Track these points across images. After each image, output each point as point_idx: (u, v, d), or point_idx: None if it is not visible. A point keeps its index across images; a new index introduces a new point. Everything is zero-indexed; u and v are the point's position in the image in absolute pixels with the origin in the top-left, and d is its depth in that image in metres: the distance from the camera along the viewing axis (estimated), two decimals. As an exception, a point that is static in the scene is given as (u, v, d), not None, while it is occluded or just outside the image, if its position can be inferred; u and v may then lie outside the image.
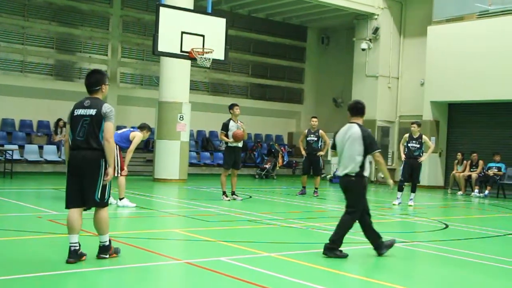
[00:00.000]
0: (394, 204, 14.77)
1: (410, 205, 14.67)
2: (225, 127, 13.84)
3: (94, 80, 6.88)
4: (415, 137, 14.82)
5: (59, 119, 21.14)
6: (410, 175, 14.92)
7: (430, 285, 6.60)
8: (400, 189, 15.08)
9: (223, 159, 14.76)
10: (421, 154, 14.83)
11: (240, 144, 13.99)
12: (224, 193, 14.16)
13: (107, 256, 6.81)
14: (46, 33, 22.58)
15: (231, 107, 14.17)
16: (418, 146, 14.77)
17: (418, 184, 15.31)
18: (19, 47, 22.07)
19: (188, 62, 18.95)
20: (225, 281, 6.14)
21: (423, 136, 14.97)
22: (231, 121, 13.95)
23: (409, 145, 14.85)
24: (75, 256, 6.62)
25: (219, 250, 7.87)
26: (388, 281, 6.42)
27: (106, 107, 6.73)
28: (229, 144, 13.89)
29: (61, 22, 22.86)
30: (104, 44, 23.83)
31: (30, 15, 22.26)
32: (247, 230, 9.95)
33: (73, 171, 6.73)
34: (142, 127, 12.36)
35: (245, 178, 23.76)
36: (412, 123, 15.15)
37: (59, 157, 20.25)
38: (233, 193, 14.38)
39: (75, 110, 6.78)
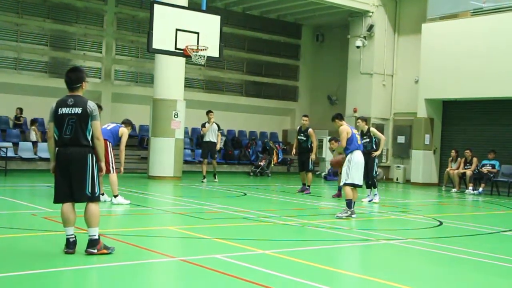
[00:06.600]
0: (362, 201, 14.54)
1: (366, 202, 14.49)
2: (202, 125, 18.75)
3: (75, 77, 7.00)
4: (364, 132, 14.72)
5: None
6: (365, 171, 14.65)
7: (425, 282, 6.62)
8: (367, 186, 14.96)
9: (201, 152, 19.76)
10: (373, 147, 14.69)
11: (213, 140, 18.45)
12: (204, 177, 18.62)
13: (95, 251, 6.81)
14: (40, 30, 22.53)
15: (207, 113, 18.73)
16: (368, 140, 14.60)
17: (376, 178, 14.89)
18: (13, 44, 22.00)
19: (183, 59, 18.95)
20: (220, 279, 6.14)
21: (371, 129, 14.75)
22: (207, 123, 18.52)
23: (362, 141, 14.77)
24: (73, 247, 6.87)
25: (214, 247, 7.86)
26: (383, 278, 6.44)
27: (91, 105, 6.91)
28: (204, 139, 18.59)
29: (55, 19, 22.80)
30: (98, 41, 23.78)
31: (24, 12, 22.19)
32: (242, 227, 9.95)
33: (62, 167, 6.89)
34: (126, 123, 12.51)
35: (240, 175, 23.77)
36: (357, 119, 15.20)
37: (50, 157, 20.13)
38: (214, 176, 19.02)
39: (59, 108, 6.88)
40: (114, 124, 12.51)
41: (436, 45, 21.90)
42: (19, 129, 21.42)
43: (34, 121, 20.91)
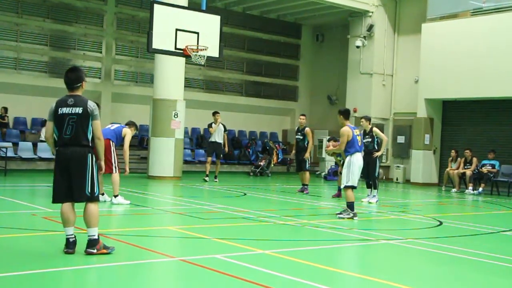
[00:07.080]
0: (362, 201, 14.55)
1: (366, 202, 14.50)
2: (209, 125, 18.92)
3: (75, 77, 7.00)
4: (367, 131, 14.66)
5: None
6: (367, 171, 14.55)
7: (424, 282, 6.62)
8: (367, 186, 14.96)
9: (206, 151, 20.39)
10: (375, 147, 14.63)
11: (219, 140, 18.72)
12: (206, 175, 19.00)
13: (95, 250, 6.82)
14: (40, 30, 22.52)
15: (213, 114, 18.92)
16: (370, 140, 14.54)
17: (378, 179, 14.83)
18: (13, 44, 22.00)
19: (183, 59, 18.96)
20: (219, 279, 6.14)
21: (374, 129, 14.66)
22: (213, 123, 18.72)
23: (364, 140, 14.75)
24: (73, 247, 6.88)
25: (213, 247, 7.86)
26: (383, 278, 6.44)
27: (92, 105, 6.93)
28: (210, 140, 18.95)
29: (55, 19, 22.79)
30: (98, 41, 23.77)
31: (24, 12, 22.19)
32: (242, 227, 9.95)
33: (61, 167, 6.90)
34: (130, 124, 12.52)
35: (240, 175, 23.77)
36: (361, 118, 15.15)
37: (53, 154, 20.15)
38: (215, 177, 19.23)
39: (59, 108, 6.89)
40: (118, 124, 12.55)
41: (436, 45, 21.90)
42: (18, 129, 21.44)
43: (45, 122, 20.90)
